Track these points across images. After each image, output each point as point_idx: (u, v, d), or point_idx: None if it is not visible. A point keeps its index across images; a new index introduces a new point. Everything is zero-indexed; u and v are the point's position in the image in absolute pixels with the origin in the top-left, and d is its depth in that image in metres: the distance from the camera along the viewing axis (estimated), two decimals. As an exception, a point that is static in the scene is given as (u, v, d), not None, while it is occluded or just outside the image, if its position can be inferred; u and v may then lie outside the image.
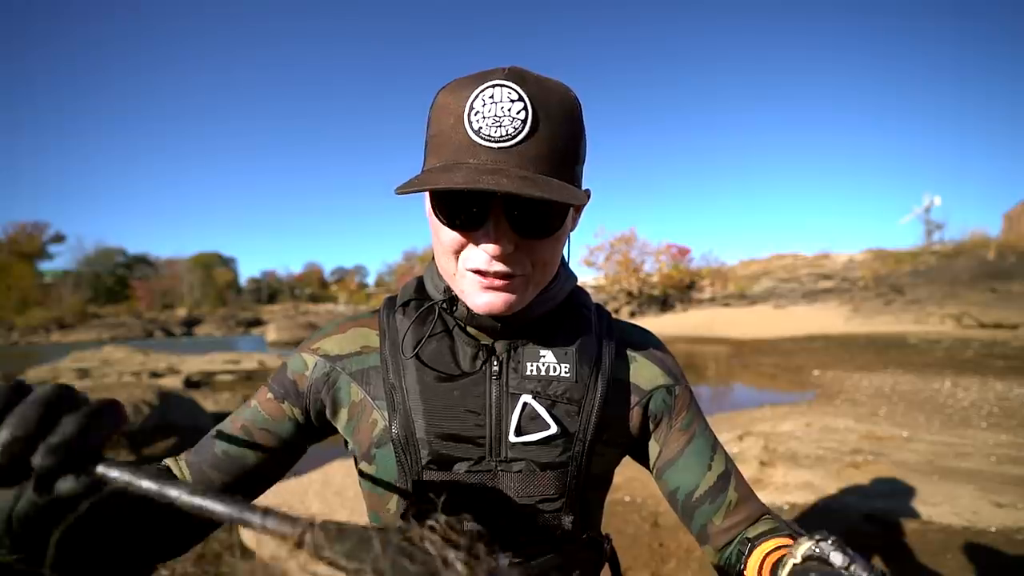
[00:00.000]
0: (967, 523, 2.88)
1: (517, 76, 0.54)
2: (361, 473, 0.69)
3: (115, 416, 0.35)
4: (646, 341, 0.74)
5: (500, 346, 0.65)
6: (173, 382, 8.58)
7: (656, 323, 20.93)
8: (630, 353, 0.72)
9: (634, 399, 0.69)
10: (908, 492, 3.32)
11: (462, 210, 0.55)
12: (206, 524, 0.58)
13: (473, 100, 0.53)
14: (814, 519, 3.02)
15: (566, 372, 0.64)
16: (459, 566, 0.24)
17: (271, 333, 23.47)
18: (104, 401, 0.36)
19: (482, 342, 0.66)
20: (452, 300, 0.65)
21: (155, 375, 9.30)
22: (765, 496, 3.30)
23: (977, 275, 19.57)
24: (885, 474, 3.66)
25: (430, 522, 0.26)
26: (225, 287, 77.66)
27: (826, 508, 3.15)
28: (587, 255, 30.29)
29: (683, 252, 32.41)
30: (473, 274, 0.58)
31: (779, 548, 0.58)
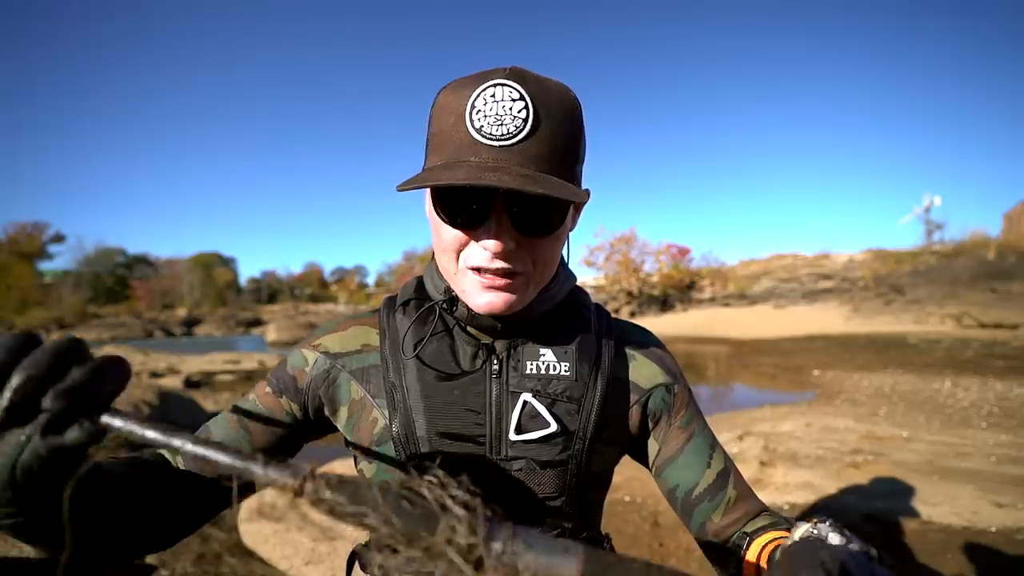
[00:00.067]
0: (967, 523, 2.88)
1: (518, 76, 0.55)
2: (361, 472, 0.69)
3: (120, 372, 0.36)
4: (645, 340, 0.75)
5: (500, 345, 0.66)
6: (173, 382, 8.58)
7: (656, 323, 20.93)
8: (629, 352, 0.72)
9: (633, 397, 0.69)
10: (908, 492, 3.32)
11: (464, 207, 0.56)
12: (196, 514, 0.58)
13: (475, 99, 0.54)
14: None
15: (566, 371, 0.64)
16: (457, 510, 0.25)
17: (271, 333, 23.46)
18: (111, 357, 0.37)
19: (482, 341, 0.66)
20: (452, 300, 0.65)
21: (155, 375, 9.29)
22: (765, 496, 3.30)
23: (977, 275, 19.57)
24: (885, 474, 3.66)
25: (428, 476, 0.27)
26: (225, 287, 77.65)
27: (826, 508, 3.15)
28: (587, 255, 30.29)
29: (683, 252, 32.41)
30: (474, 273, 0.59)
31: (777, 539, 0.58)
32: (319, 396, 0.67)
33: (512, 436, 0.62)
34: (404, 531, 0.25)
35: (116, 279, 70.05)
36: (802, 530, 0.50)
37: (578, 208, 0.67)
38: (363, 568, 0.72)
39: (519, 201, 0.55)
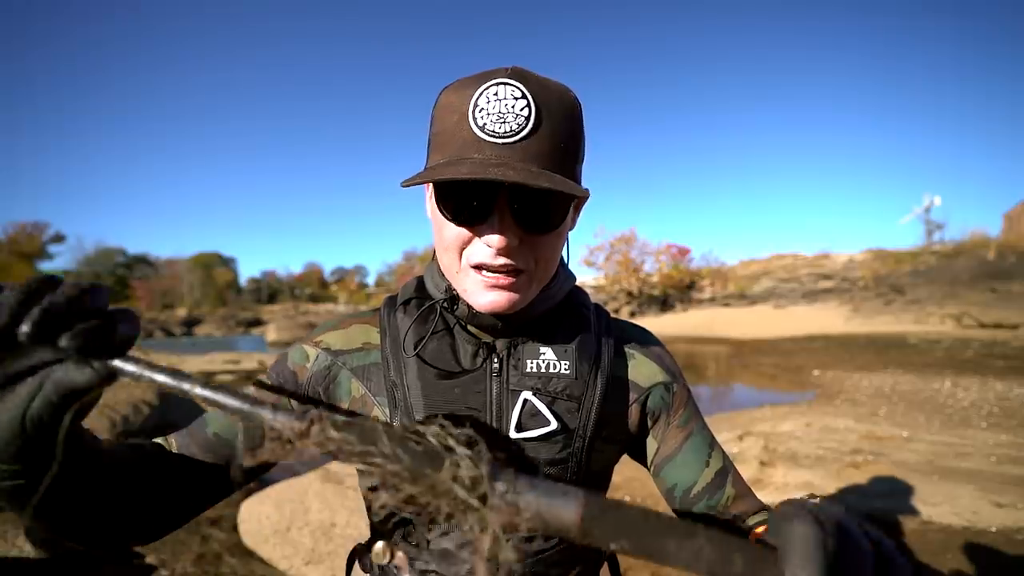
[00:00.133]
0: (967, 523, 2.88)
1: (520, 75, 0.56)
2: (361, 471, 0.69)
3: (133, 321, 0.36)
4: (644, 339, 0.75)
5: (500, 344, 0.66)
6: (173, 382, 8.58)
7: (656, 323, 20.93)
8: (628, 351, 0.72)
9: (632, 396, 0.70)
10: (908, 492, 3.32)
11: (467, 204, 0.56)
12: (191, 502, 0.58)
13: (477, 98, 0.55)
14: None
15: (566, 369, 0.64)
16: (461, 451, 0.26)
17: (271, 333, 23.48)
18: (123, 308, 0.37)
19: (483, 340, 0.66)
20: (453, 299, 0.66)
21: (155, 375, 9.29)
22: (765, 496, 3.30)
23: (977, 275, 19.58)
24: (885, 474, 3.66)
25: (434, 423, 0.27)
26: (225, 287, 77.68)
27: (826, 508, 3.15)
28: (587, 255, 30.34)
29: (683, 252, 32.45)
30: (476, 272, 0.59)
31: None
32: (319, 392, 0.67)
33: (513, 434, 0.62)
34: (410, 468, 0.25)
35: (116, 279, 70.04)
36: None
37: (578, 208, 0.68)
38: (363, 568, 0.72)
39: (521, 198, 0.56)
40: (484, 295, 0.60)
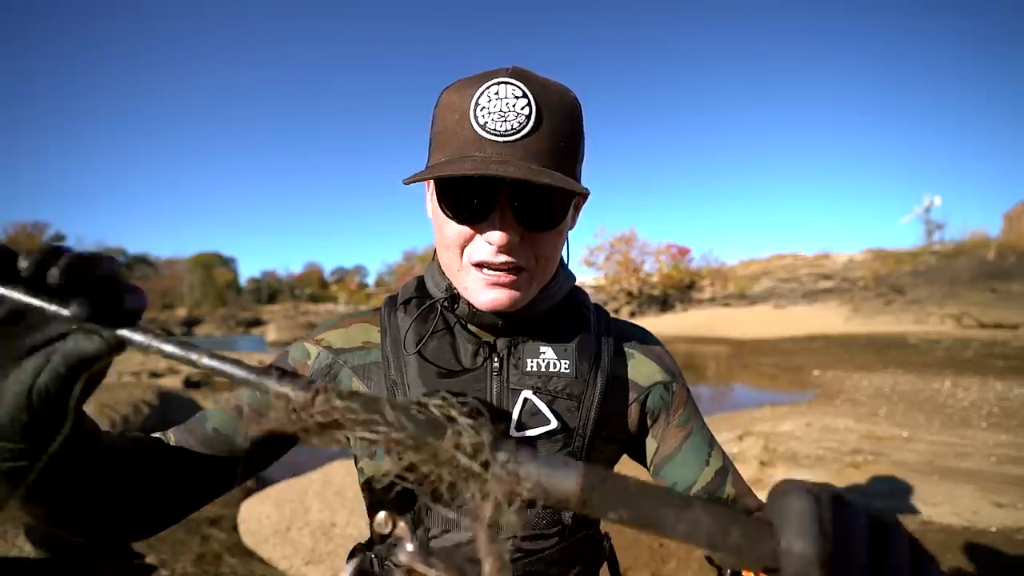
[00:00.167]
0: (967, 523, 2.88)
1: (520, 75, 0.57)
2: (362, 471, 0.69)
3: (140, 295, 0.36)
4: (644, 339, 0.75)
5: (501, 343, 0.66)
6: (173, 382, 8.58)
7: (656, 323, 20.93)
8: (628, 350, 0.72)
9: (632, 395, 0.70)
10: (908, 492, 3.32)
11: (468, 202, 0.57)
12: (189, 497, 0.58)
13: (479, 97, 0.55)
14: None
15: (566, 368, 0.65)
16: (464, 421, 0.26)
17: (271, 333, 23.49)
18: (132, 283, 0.37)
19: (483, 339, 0.66)
20: (453, 298, 0.66)
21: (155, 375, 9.30)
22: (765, 496, 3.30)
23: (977, 275, 19.57)
24: (885, 474, 3.66)
25: (437, 396, 0.28)
26: (225, 287, 77.64)
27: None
28: (587, 255, 30.34)
29: (683, 252, 32.44)
30: (477, 270, 0.60)
31: None
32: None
33: (513, 433, 0.62)
34: (413, 436, 0.26)
35: (116, 279, 69.81)
36: None
37: (577, 208, 0.69)
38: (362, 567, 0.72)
39: (522, 196, 0.56)
40: (485, 293, 0.60)
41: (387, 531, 0.29)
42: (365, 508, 0.72)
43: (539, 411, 0.63)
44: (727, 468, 0.69)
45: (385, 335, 0.68)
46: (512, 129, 0.54)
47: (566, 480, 0.26)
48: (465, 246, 0.60)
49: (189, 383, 8.86)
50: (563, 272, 0.71)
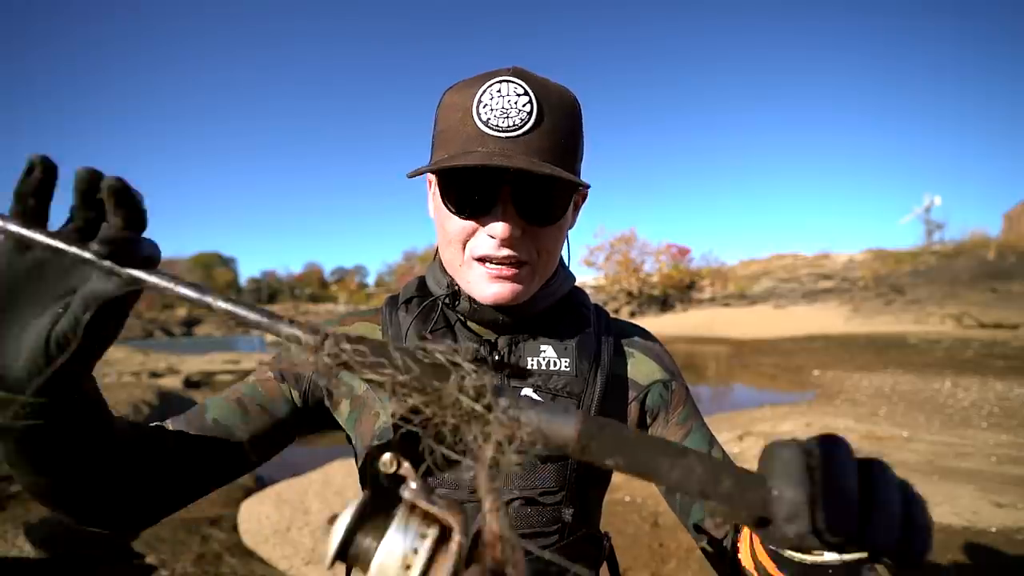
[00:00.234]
0: (967, 523, 2.89)
1: (521, 74, 0.58)
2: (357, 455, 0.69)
3: (155, 245, 0.36)
4: (643, 338, 0.76)
5: (502, 341, 0.66)
6: (173, 382, 8.58)
7: (656, 323, 20.94)
8: (628, 349, 0.73)
9: (632, 394, 0.70)
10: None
11: (471, 196, 0.58)
12: (189, 486, 0.57)
13: (481, 95, 0.57)
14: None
15: (566, 366, 0.65)
16: (468, 366, 0.27)
17: (271, 333, 23.48)
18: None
19: (484, 337, 0.66)
20: (454, 295, 0.66)
21: (155, 375, 9.30)
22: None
23: (977, 275, 19.58)
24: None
25: (442, 344, 0.29)
26: (225, 287, 77.66)
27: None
28: (587, 255, 30.34)
29: (683, 252, 32.46)
30: (480, 264, 0.60)
31: None
32: (320, 387, 0.67)
33: None
34: (419, 379, 0.26)
35: (116, 279, 69.91)
36: None
37: (577, 207, 0.69)
38: None
39: (524, 191, 0.57)
40: (488, 286, 0.61)
41: (392, 471, 0.30)
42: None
43: None
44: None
45: (386, 334, 0.68)
46: (514, 125, 0.56)
47: (565, 426, 0.27)
48: (467, 241, 0.61)
49: (189, 383, 8.87)
50: (563, 272, 0.72)
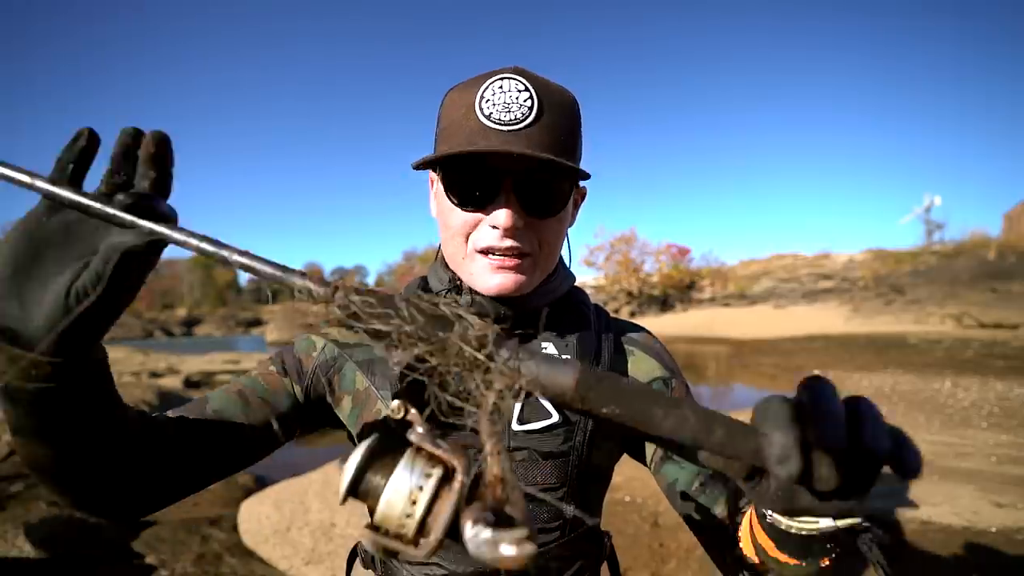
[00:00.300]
0: (967, 523, 2.88)
1: (522, 72, 0.61)
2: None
3: (173, 209, 0.38)
4: (643, 337, 0.76)
5: None
6: (173, 382, 8.58)
7: (656, 323, 20.93)
8: (628, 347, 0.73)
9: None
10: (908, 492, 3.32)
11: (474, 189, 0.60)
12: (189, 477, 0.57)
13: (483, 91, 0.59)
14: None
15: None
16: (472, 320, 0.28)
17: (271, 333, 23.49)
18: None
19: None
20: (456, 290, 0.67)
21: (155, 375, 9.29)
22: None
23: (977, 275, 19.56)
24: (885, 474, 3.66)
25: (447, 298, 0.30)
26: (225, 287, 77.67)
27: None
28: (587, 255, 30.31)
29: (683, 252, 32.42)
30: (483, 256, 0.62)
31: None
32: (323, 381, 0.67)
33: (515, 426, 0.63)
34: (424, 329, 0.28)
35: (116, 279, 69.76)
36: None
37: (576, 205, 0.71)
38: (364, 565, 0.72)
39: (526, 183, 0.59)
40: (492, 277, 0.62)
41: (399, 416, 0.31)
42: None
43: (540, 405, 0.63)
44: None
45: None
46: (516, 119, 0.58)
47: (564, 376, 0.28)
48: (470, 234, 0.62)
49: (189, 383, 8.86)
50: (563, 271, 0.73)
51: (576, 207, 0.71)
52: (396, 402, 0.31)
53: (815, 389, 0.28)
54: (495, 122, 0.58)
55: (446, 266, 0.68)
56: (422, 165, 0.63)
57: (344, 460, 0.30)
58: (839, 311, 18.30)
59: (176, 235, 0.34)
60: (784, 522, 0.40)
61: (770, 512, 0.41)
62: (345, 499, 0.30)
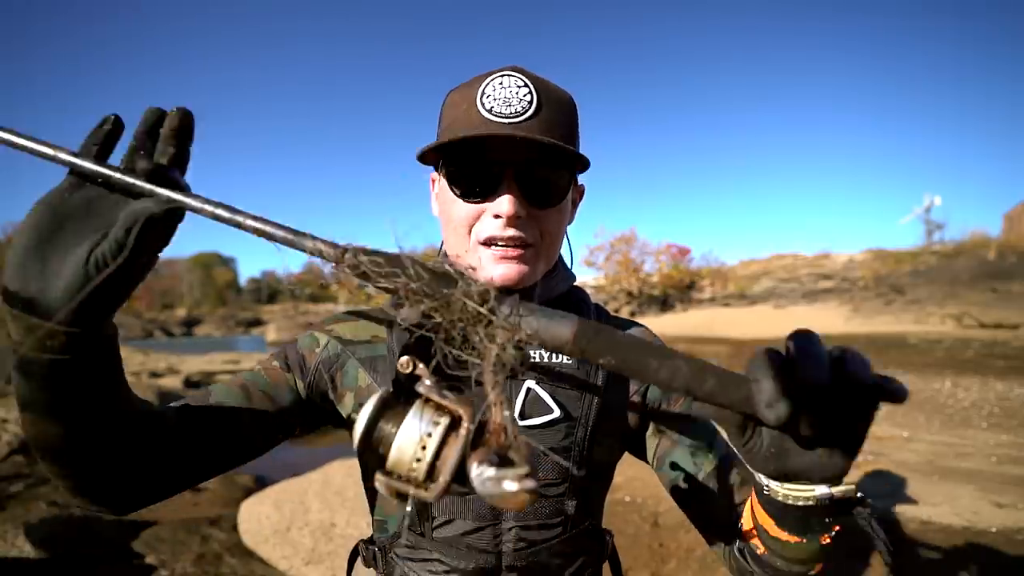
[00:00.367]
0: (967, 523, 2.88)
1: (521, 70, 0.62)
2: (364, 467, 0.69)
3: (186, 183, 0.41)
4: (640, 332, 0.76)
5: None
6: (173, 382, 8.58)
7: (656, 323, 20.92)
8: None
9: (633, 388, 0.70)
10: (908, 492, 3.32)
11: (476, 182, 0.61)
12: (188, 470, 0.57)
13: (484, 87, 0.61)
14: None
15: (568, 359, 0.65)
16: (474, 276, 0.30)
17: (271, 333, 23.50)
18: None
19: None
20: None
21: (155, 375, 9.29)
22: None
23: (977, 275, 19.55)
24: (885, 474, 3.66)
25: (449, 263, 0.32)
26: (225, 287, 77.67)
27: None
28: (587, 255, 30.25)
29: (683, 252, 32.38)
30: (486, 247, 0.62)
31: None
32: (325, 377, 0.67)
33: (517, 422, 0.63)
34: (429, 285, 0.29)
35: (116, 279, 69.65)
36: None
37: (575, 203, 0.72)
38: (365, 564, 0.72)
39: (527, 174, 0.61)
40: (495, 267, 0.62)
41: (408, 371, 0.33)
42: (367, 506, 0.73)
43: (542, 400, 0.64)
44: (731, 456, 0.68)
45: (389, 334, 0.68)
46: (516, 112, 0.59)
47: (562, 329, 0.29)
48: (473, 225, 0.63)
49: (189, 383, 8.86)
50: (564, 270, 0.73)
51: (575, 205, 0.72)
52: (404, 357, 0.33)
53: (800, 337, 0.31)
54: (496, 115, 0.59)
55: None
56: (426, 154, 0.65)
57: (356, 413, 0.32)
58: (839, 311, 18.29)
59: (193, 202, 0.36)
60: (780, 491, 0.41)
61: (767, 483, 0.42)
62: (359, 446, 0.32)
